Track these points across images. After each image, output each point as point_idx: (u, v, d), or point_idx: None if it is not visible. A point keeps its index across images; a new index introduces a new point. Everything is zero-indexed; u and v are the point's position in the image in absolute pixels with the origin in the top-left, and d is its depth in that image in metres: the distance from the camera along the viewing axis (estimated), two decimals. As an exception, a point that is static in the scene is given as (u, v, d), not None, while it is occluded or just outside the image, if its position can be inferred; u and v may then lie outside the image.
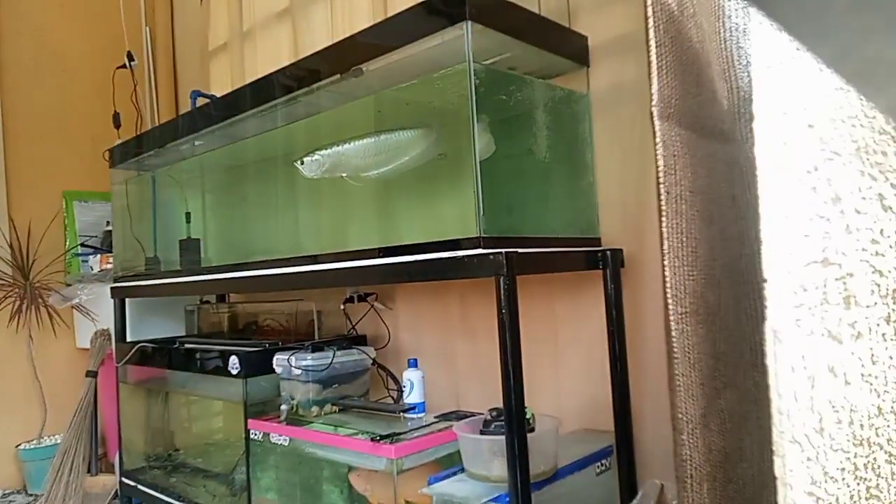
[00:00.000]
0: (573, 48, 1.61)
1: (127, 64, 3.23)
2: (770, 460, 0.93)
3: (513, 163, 1.49)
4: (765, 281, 0.59)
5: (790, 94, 0.57)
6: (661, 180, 0.70)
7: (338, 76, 1.64)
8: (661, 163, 0.70)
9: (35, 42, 3.06)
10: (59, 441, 2.67)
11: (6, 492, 2.79)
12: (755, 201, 0.70)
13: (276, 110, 1.89)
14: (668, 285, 0.71)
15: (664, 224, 0.71)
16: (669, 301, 0.70)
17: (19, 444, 2.80)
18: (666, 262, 0.70)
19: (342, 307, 2.20)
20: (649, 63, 0.74)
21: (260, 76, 1.91)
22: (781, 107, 0.57)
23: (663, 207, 0.72)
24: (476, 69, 1.32)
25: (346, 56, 1.61)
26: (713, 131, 0.92)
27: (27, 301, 2.88)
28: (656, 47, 0.73)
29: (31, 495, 2.72)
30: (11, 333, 2.88)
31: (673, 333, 0.70)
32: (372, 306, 2.18)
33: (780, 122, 0.58)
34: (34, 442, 2.83)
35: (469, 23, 1.31)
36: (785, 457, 0.56)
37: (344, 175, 1.68)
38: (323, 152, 1.66)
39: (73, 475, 2.49)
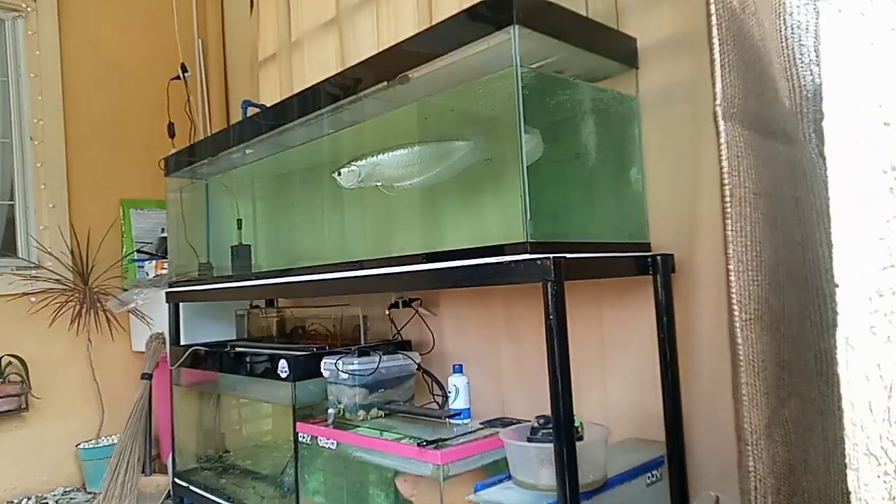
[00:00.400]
0: (621, 50, 1.59)
1: (181, 75, 3.33)
2: (839, 473, 0.88)
3: (560, 167, 1.47)
4: (836, 286, 0.56)
5: (863, 91, 0.54)
6: (726, 182, 0.68)
7: (384, 84, 1.66)
8: (725, 164, 0.68)
9: (95, 56, 3.20)
10: (115, 441, 2.76)
11: (66, 489, 2.90)
12: (825, 203, 0.67)
13: (323, 119, 1.92)
14: (732, 290, 0.68)
15: (729, 227, 0.69)
16: (735, 307, 0.68)
17: (79, 444, 2.91)
18: (731, 267, 0.68)
19: (387, 312, 2.22)
20: (712, 61, 0.72)
21: (308, 85, 1.95)
22: (854, 104, 0.55)
23: (728, 210, 0.69)
24: (523, 73, 1.31)
25: (392, 64, 1.63)
26: (776, 131, 0.89)
27: (86, 305, 3.00)
28: (719, 45, 0.71)
29: (90, 493, 2.82)
30: (72, 337, 3.00)
31: (738, 340, 0.68)
32: (417, 311, 2.19)
33: (852, 121, 0.55)
34: (92, 441, 2.93)
35: (516, 27, 1.30)
36: (859, 470, 0.53)
37: (379, 184, 1.72)
38: (359, 163, 1.71)
39: (128, 475, 2.57)
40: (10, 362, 2.79)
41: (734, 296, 0.76)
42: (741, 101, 0.83)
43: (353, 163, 1.73)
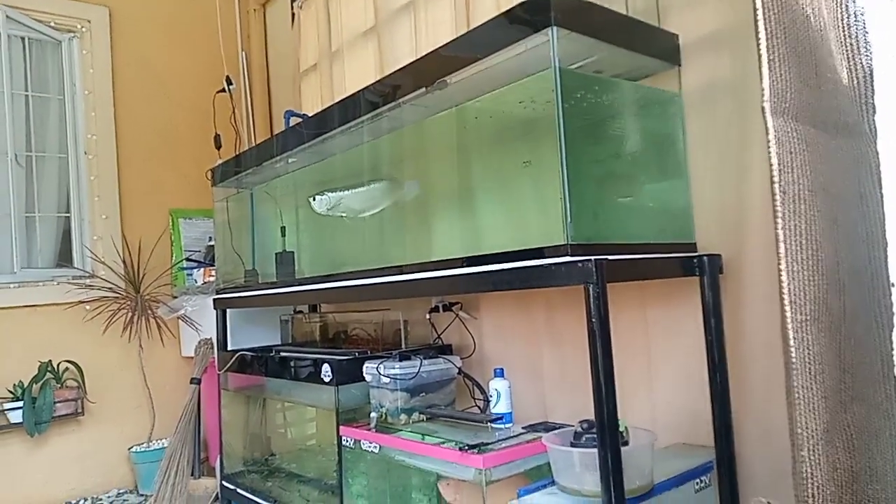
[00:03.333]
0: (663, 47, 1.56)
1: (226, 88, 3.43)
2: (906, 481, 0.84)
3: (601, 167, 1.46)
4: (892, 285, 0.54)
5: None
6: (776, 179, 0.66)
7: (423, 90, 1.67)
8: (774, 161, 0.66)
9: (143, 71, 3.32)
10: (166, 444, 2.84)
11: (120, 491, 3.00)
12: (881, 200, 0.64)
13: (363, 126, 1.95)
14: (785, 291, 0.66)
15: (780, 226, 0.67)
16: (787, 308, 0.65)
17: (131, 447, 3.00)
18: (783, 267, 0.66)
19: (427, 317, 2.22)
20: (760, 56, 0.70)
21: (348, 94, 1.97)
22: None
23: (778, 208, 0.67)
24: (562, 74, 1.30)
25: (430, 70, 1.64)
26: (836, 125, 0.85)
27: (138, 312, 3.10)
28: (767, 39, 0.69)
29: (141, 495, 2.91)
30: (124, 343, 3.11)
31: (791, 342, 0.65)
32: (457, 315, 2.19)
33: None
34: (144, 445, 3.02)
35: (555, 28, 1.29)
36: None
37: (343, 215, 2.01)
38: (329, 194, 1.97)
39: (178, 477, 2.64)
40: (67, 368, 2.90)
41: (787, 296, 0.73)
42: (794, 95, 0.81)
43: (326, 193, 1.99)
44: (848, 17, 0.88)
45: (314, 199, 2.02)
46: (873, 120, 0.89)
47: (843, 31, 0.89)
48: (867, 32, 0.88)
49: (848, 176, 0.87)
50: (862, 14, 0.88)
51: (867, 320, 0.84)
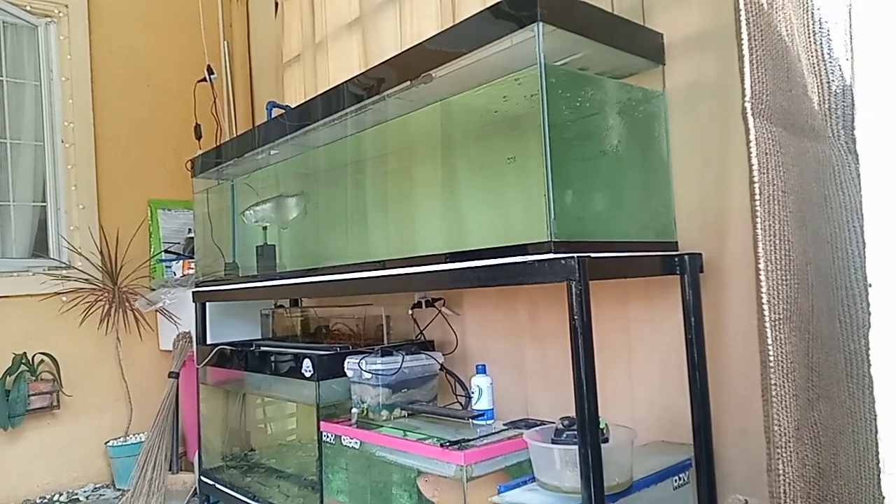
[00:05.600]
0: (648, 46, 1.57)
1: (207, 77, 3.38)
2: (871, 478, 0.86)
3: (585, 165, 1.46)
4: (869, 286, 0.54)
5: (901, 83, 0.52)
6: (755, 180, 0.66)
7: (408, 83, 1.65)
8: (754, 161, 0.67)
9: (123, 59, 3.26)
10: (143, 439, 2.80)
11: (97, 485, 2.96)
12: (855, 201, 0.65)
13: (346, 119, 1.93)
14: (762, 290, 0.67)
15: (758, 226, 0.67)
16: (764, 307, 0.66)
17: (108, 441, 2.96)
18: (760, 266, 0.66)
19: (410, 312, 2.22)
20: (741, 57, 0.71)
21: (332, 86, 1.95)
22: (890, 98, 0.53)
23: (757, 209, 0.68)
24: (547, 71, 1.30)
25: (415, 63, 1.62)
26: (804, 128, 0.87)
27: (115, 305, 3.05)
28: (748, 40, 0.70)
29: (118, 490, 2.87)
30: (101, 335, 3.06)
31: (768, 341, 0.66)
32: (440, 311, 2.19)
33: (887, 115, 0.53)
34: (121, 439, 2.98)
35: (540, 24, 1.29)
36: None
37: (267, 224, 2.37)
38: (255, 209, 2.36)
39: (156, 472, 2.61)
40: (42, 360, 2.85)
41: (764, 295, 0.74)
42: (769, 98, 0.81)
43: (252, 208, 2.35)
44: (813, 24, 0.89)
45: (244, 215, 2.37)
46: (838, 124, 0.91)
47: (810, 38, 0.90)
48: (831, 40, 0.89)
49: (814, 178, 0.88)
50: (827, 22, 0.89)
51: (831, 320, 0.86)
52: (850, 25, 0.88)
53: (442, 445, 1.54)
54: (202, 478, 2.56)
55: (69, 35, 3.09)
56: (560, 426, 1.39)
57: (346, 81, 1.87)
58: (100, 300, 3.03)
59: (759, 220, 0.76)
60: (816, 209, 0.87)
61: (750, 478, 1.44)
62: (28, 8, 3.02)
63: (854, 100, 0.88)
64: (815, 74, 0.92)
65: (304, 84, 2.92)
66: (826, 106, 0.92)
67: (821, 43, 0.91)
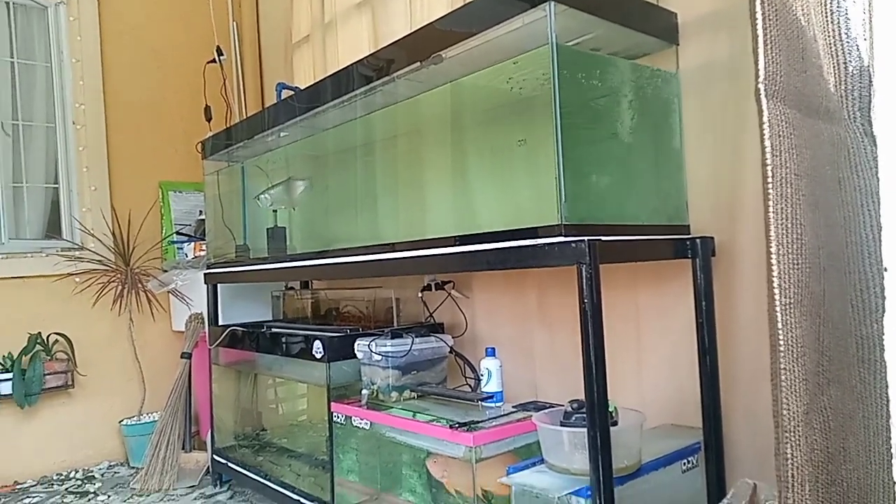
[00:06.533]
0: (661, 26, 1.54)
1: (216, 59, 3.36)
2: (881, 463, 0.85)
3: (596, 147, 1.44)
4: (885, 270, 0.53)
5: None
6: (768, 162, 0.65)
7: (417, 64, 1.64)
8: (767, 144, 0.66)
9: (133, 40, 3.25)
10: (157, 418, 2.84)
11: (111, 463, 3.01)
12: (870, 185, 0.64)
13: (356, 100, 1.92)
14: (774, 274, 0.66)
15: (770, 209, 0.66)
16: (775, 290, 0.65)
17: (122, 420, 3.00)
18: (772, 249, 0.66)
19: (420, 295, 2.22)
20: (755, 37, 0.69)
21: (341, 67, 1.94)
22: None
23: (769, 191, 0.67)
24: (558, 51, 1.28)
25: (425, 44, 1.61)
26: (818, 110, 0.85)
27: (128, 286, 3.08)
28: (763, 20, 0.68)
29: (132, 468, 2.92)
30: (114, 316, 3.09)
31: (779, 325, 0.65)
32: (449, 294, 2.19)
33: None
34: (135, 418, 3.03)
35: (552, 3, 1.27)
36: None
37: (283, 207, 2.42)
38: (269, 192, 2.39)
39: (168, 451, 2.65)
40: (56, 340, 2.89)
41: (775, 279, 0.73)
42: (784, 79, 0.80)
43: (266, 192, 2.39)
44: (831, 3, 0.87)
45: (259, 199, 2.40)
46: (854, 106, 0.89)
47: (827, 18, 0.88)
48: (850, 19, 0.87)
49: (828, 161, 0.87)
50: (845, 1, 0.87)
51: (843, 304, 0.85)
52: (870, 5, 0.86)
53: (451, 427, 1.55)
54: (214, 456, 2.60)
55: (79, 16, 3.09)
56: (569, 409, 1.39)
57: (355, 62, 1.86)
58: (112, 281, 3.06)
59: (771, 203, 0.75)
60: (830, 192, 0.86)
61: (758, 462, 1.45)
62: (38, -11, 3.02)
63: (872, 81, 0.86)
64: (832, 55, 0.90)
65: (313, 65, 2.91)
66: (842, 87, 0.91)
67: (838, 23, 0.89)
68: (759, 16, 0.77)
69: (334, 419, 1.92)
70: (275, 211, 2.43)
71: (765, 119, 0.75)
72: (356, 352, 1.94)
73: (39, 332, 2.84)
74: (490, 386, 1.80)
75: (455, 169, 1.78)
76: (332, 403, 1.93)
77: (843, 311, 0.85)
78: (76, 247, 3.03)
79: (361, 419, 1.83)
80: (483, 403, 1.76)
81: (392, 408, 1.80)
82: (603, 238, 1.25)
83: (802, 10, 0.86)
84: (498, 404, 1.76)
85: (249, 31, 3.51)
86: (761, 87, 0.75)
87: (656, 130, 1.56)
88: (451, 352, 2.03)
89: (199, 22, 3.41)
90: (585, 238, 1.22)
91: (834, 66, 0.90)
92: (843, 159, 0.89)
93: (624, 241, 1.36)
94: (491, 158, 1.71)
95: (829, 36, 0.90)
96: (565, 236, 1.24)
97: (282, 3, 3.21)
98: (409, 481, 1.79)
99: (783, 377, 0.74)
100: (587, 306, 1.22)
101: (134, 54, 3.25)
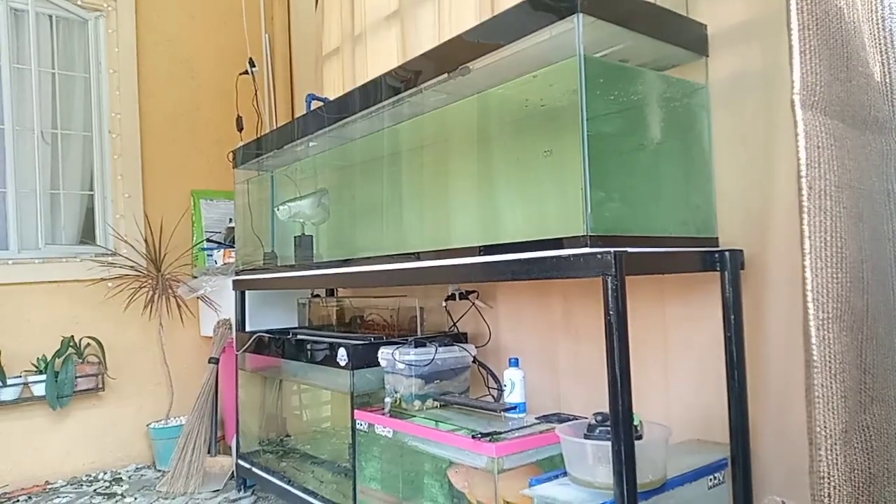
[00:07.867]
0: (690, 37, 1.53)
1: (248, 70, 3.43)
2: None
3: (623, 159, 1.44)
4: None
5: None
6: (804, 174, 0.64)
7: (445, 75, 1.65)
8: (802, 155, 0.65)
9: (168, 51, 3.33)
10: (184, 422, 2.88)
11: (138, 465, 3.05)
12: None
13: (384, 111, 1.94)
14: (808, 288, 0.65)
15: (806, 221, 0.65)
16: (810, 305, 0.64)
17: (150, 423, 3.05)
18: (807, 263, 0.64)
19: (444, 304, 2.22)
20: (791, 47, 0.68)
21: (370, 78, 1.96)
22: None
23: (805, 204, 0.66)
24: (586, 63, 1.28)
25: (453, 55, 1.62)
26: (865, 120, 0.83)
27: (158, 291, 3.14)
28: (799, 30, 0.68)
29: (159, 471, 2.96)
30: (145, 321, 3.15)
31: (813, 340, 0.64)
32: (473, 304, 2.19)
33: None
34: (162, 422, 3.07)
35: (580, 15, 1.27)
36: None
37: (302, 221, 2.42)
38: (289, 204, 2.40)
39: (195, 455, 2.68)
40: (88, 344, 2.96)
41: (810, 293, 0.72)
42: (824, 89, 0.79)
43: (286, 203, 2.40)
44: (883, 10, 0.86)
45: (278, 209, 2.42)
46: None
47: (877, 25, 0.86)
48: None
49: (876, 172, 0.85)
50: None
51: (889, 320, 0.83)
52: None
53: (473, 437, 1.54)
54: (239, 461, 2.63)
55: (117, 28, 3.18)
56: (593, 422, 1.38)
57: (383, 74, 1.88)
58: (144, 287, 3.13)
59: (806, 215, 0.74)
60: (877, 204, 0.84)
61: (787, 480, 1.41)
62: (79, 2, 3.12)
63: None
64: (883, 63, 0.88)
65: (342, 77, 2.95)
66: (893, 97, 0.89)
67: (890, 30, 0.87)
68: (794, 26, 0.76)
69: (357, 426, 1.93)
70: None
71: (800, 130, 0.74)
72: (380, 360, 1.95)
73: (72, 336, 2.91)
74: (513, 396, 1.79)
75: (481, 179, 1.79)
76: (356, 411, 1.94)
77: (889, 327, 0.83)
78: (109, 252, 3.11)
79: (384, 427, 1.83)
80: (506, 414, 1.75)
81: (415, 416, 1.80)
82: (629, 249, 1.24)
83: (849, 16, 0.84)
84: (521, 415, 1.75)
85: (281, 43, 3.57)
86: (796, 97, 0.74)
87: (685, 142, 1.54)
88: (474, 361, 2.03)
89: (232, 34, 3.49)
90: (612, 249, 1.21)
91: (884, 75, 0.88)
92: (893, 170, 0.87)
93: (651, 253, 1.35)
94: (517, 169, 1.71)
95: (878, 43, 0.88)
96: (591, 247, 1.24)
97: (313, 15, 3.27)
98: (431, 491, 1.79)
99: (818, 394, 0.73)
100: (612, 318, 1.21)
101: (169, 65, 3.33)
